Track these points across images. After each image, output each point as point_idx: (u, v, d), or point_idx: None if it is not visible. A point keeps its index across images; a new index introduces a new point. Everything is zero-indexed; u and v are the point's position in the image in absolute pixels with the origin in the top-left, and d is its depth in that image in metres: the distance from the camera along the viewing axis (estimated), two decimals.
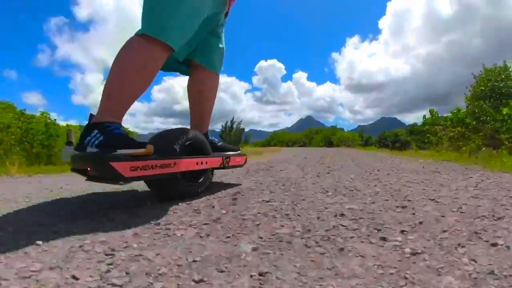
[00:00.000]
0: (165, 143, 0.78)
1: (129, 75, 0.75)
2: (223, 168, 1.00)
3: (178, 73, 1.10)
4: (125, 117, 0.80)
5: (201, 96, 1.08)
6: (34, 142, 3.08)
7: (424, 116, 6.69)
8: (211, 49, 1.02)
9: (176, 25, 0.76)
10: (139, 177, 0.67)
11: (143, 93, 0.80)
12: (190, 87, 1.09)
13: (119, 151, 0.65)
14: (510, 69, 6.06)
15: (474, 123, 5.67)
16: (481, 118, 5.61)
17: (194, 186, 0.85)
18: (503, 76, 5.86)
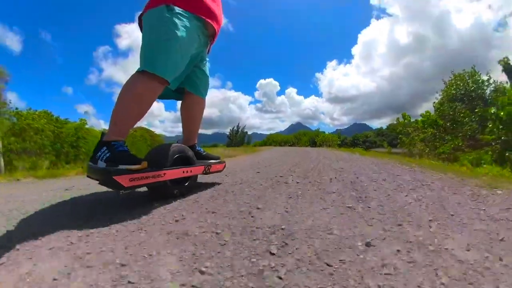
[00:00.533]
0: (158, 158, 1.00)
1: (131, 107, 0.96)
2: (205, 174, 1.24)
3: (173, 99, 1.36)
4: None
5: (190, 117, 1.33)
6: (65, 143, 3.50)
7: (398, 119, 7.24)
8: (197, 79, 1.25)
9: (169, 63, 0.96)
10: (136, 186, 0.87)
11: (142, 118, 1.04)
12: (182, 110, 1.33)
13: (121, 166, 0.85)
14: (478, 73, 6.64)
15: (449, 124, 6.13)
16: (458, 120, 6.04)
17: (182, 188, 1.09)
18: (472, 80, 6.42)
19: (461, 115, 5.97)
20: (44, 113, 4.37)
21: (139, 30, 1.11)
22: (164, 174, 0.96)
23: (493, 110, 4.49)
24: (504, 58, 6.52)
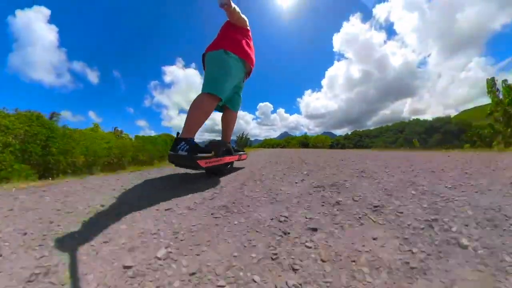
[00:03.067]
0: (217, 149, 1.47)
1: (199, 116, 1.39)
2: (238, 160, 1.89)
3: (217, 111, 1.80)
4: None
5: (228, 124, 1.83)
6: (33, 143, 3.19)
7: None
8: (235, 100, 1.76)
9: (225, 88, 1.45)
10: (209, 167, 1.30)
11: (204, 122, 1.47)
12: (223, 119, 1.83)
13: (199, 155, 1.26)
14: None
15: None
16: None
17: (226, 167, 1.68)
18: None
19: None
20: (26, 114, 4.09)
21: (202, 64, 1.59)
22: (221, 159, 1.50)
23: None
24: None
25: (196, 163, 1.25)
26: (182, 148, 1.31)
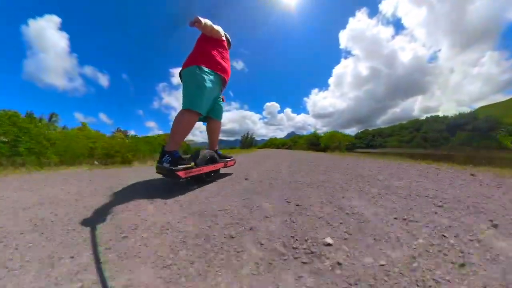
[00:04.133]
0: (199, 160, 1.66)
1: (181, 130, 1.56)
2: (225, 167, 2.05)
3: (202, 122, 2.02)
4: (198, 133, 2.61)
5: (213, 132, 2.04)
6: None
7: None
8: (217, 110, 1.95)
9: (203, 103, 1.59)
10: (188, 176, 1.47)
11: (187, 136, 1.62)
12: (208, 128, 2.03)
13: (179, 166, 1.42)
14: None
15: None
16: None
17: (210, 176, 1.83)
18: None
19: None
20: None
21: (180, 80, 1.71)
22: (202, 169, 1.66)
23: None
24: None
25: (176, 174, 1.38)
26: (166, 160, 1.49)
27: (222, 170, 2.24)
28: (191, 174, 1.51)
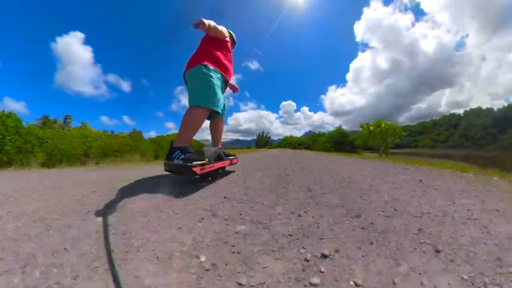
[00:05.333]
0: (209, 156, 1.67)
1: (191, 127, 1.64)
2: (230, 164, 2.16)
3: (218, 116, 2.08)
4: (209, 132, 2.09)
5: (217, 131, 2.09)
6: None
7: None
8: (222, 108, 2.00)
9: (215, 99, 1.68)
10: (203, 173, 1.51)
11: (197, 132, 1.70)
12: (211, 126, 2.07)
13: (194, 163, 1.45)
14: None
15: None
16: None
17: (217, 172, 1.87)
18: None
19: None
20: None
21: (184, 82, 1.83)
22: (213, 166, 1.72)
23: None
24: None
25: (192, 171, 1.41)
26: (177, 156, 1.50)
27: (227, 168, 2.37)
28: (205, 171, 1.54)
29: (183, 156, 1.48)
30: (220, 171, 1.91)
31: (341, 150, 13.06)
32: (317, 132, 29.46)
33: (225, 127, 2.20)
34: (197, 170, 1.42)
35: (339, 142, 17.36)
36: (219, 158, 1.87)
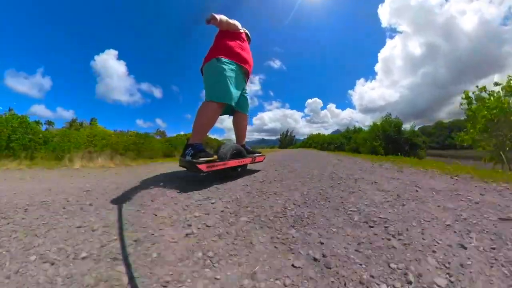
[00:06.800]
0: (223, 153, 1.68)
1: (205, 122, 1.68)
2: (252, 163, 2.05)
3: (228, 115, 2.13)
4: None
5: (238, 127, 2.11)
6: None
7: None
8: (242, 103, 2.01)
9: (226, 93, 1.68)
10: (210, 171, 1.52)
11: (211, 128, 1.76)
12: (234, 122, 2.11)
13: (201, 159, 1.50)
14: None
15: None
16: None
17: (236, 171, 1.82)
18: None
19: None
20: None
21: (202, 77, 1.86)
22: (226, 163, 1.67)
23: None
24: None
25: (197, 168, 1.43)
26: (188, 153, 1.59)
27: (249, 166, 2.34)
28: (214, 169, 1.54)
29: (192, 152, 1.56)
30: (239, 169, 1.89)
31: (396, 152, 8.72)
32: (351, 128, 21.59)
33: (250, 127, 2.13)
34: (202, 167, 1.44)
35: (392, 140, 11.85)
36: (237, 155, 1.85)
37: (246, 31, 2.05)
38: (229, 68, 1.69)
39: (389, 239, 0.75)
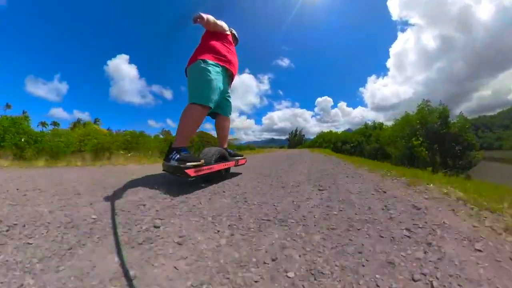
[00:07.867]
0: (208, 157, 1.70)
1: (190, 125, 1.67)
2: (236, 166, 2.15)
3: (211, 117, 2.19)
4: (249, 132, 3.65)
5: (221, 130, 2.16)
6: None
7: None
8: (225, 105, 2.10)
9: (210, 96, 1.70)
10: (198, 175, 1.51)
11: (196, 131, 1.80)
12: (216, 125, 2.15)
13: (188, 164, 1.47)
14: None
15: None
16: None
17: (221, 174, 1.94)
18: None
19: None
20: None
21: (186, 78, 1.88)
22: (212, 167, 1.70)
23: None
24: None
25: (185, 173, 1.45)
26: (173, 157, 1.57)
27: (232, 169, 2.43)
28: (201, 173, 1.57)
29: (178, 156, 1.54)
30: (223, 173, 1.97)
31: (443, 155, 6.05)
32: (370, 123, 18.21)
33: (259, 127, 2.51)
34: (190, 172, 1.44)
35: (438, 137, 8.14)
36: (222, 159, 1.90)
37: (234, 32, 2.13)
38: (214, 71, 1.74)
39: None
